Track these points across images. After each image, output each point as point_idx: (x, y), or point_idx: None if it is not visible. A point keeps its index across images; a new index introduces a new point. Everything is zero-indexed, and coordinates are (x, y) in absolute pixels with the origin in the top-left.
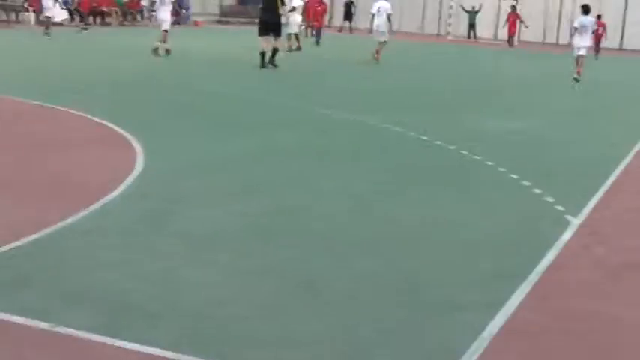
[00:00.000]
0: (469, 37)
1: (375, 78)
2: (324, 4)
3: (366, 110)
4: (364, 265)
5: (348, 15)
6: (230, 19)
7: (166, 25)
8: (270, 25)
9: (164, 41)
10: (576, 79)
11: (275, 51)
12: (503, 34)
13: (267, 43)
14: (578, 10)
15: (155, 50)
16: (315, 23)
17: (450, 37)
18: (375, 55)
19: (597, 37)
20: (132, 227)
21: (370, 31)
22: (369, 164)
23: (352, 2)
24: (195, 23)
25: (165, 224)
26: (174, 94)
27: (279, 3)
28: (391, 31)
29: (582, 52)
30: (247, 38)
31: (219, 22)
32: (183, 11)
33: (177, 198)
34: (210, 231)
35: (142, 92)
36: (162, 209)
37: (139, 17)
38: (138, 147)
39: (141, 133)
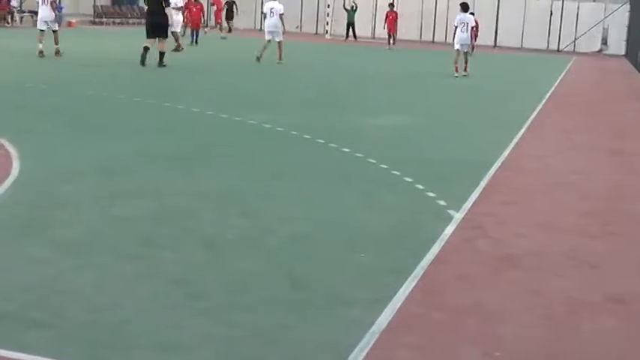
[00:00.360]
0: (347, 36)
1: (256, 77)
2: (200, 4)
3: (248, 110)
4: (247, 266)
5: (229, 14)
6: (104, 19)
7: (56, 26)
8: (157, 27)
9: (41, 41)
10: (456, 77)
11: (162, 54)
12: (381, 32)
13: (152, 41)
14: (453, 9)
15: (40, 52)
16: (191, 24)
17: (328, 37)
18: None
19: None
20: (8, 234)
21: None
22: (251, 164)
23: (234, 2)
24: (69, 24)
25: (43, 230)
26: (51, 98)
27: (163, 4)
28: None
29: (464, 49)
30: (123, 39)
31: (93, 22)
32: (57, 12)
33: (55, 203)
34: (90, 236)
35: (17, 96)
36: (39, 215)
37: (9, 19)
38: (13, 152)
39: (17, 138)
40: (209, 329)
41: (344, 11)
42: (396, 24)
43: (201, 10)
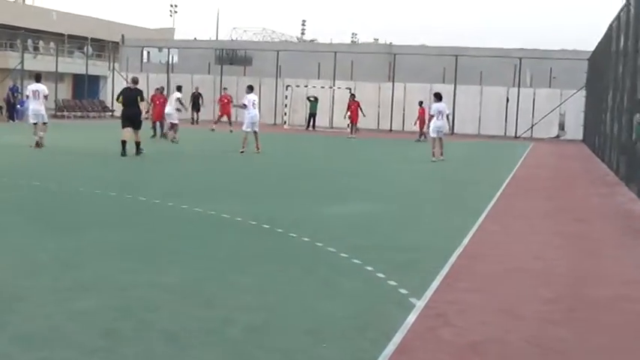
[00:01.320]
0: (308, 126)
1: (217, 167)
2: (163, 97)
3: (207, 200)
4: (207, 356)
5: (195, 105)
6: (65, 112)
7: (37, 120)
8: (132, 118)
9: (36, 133)
10: (434, 161)
11: (138, 143)
12: (339, 122)
13: (129, 134)
14: (409, 97)
15: (36, 144)
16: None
17: (286, 126)
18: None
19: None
20: None
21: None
22: (210, 255)
23: (199, 94)
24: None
25: (2, 325)
26: (9, 191)
27: (139, 99)
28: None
29: (440, 135)
30: (85, 131)
31: (54, 116)
32: (18, 107)
33: (11, 297)
34: (50, 330)
35: None
36: None
37: None
38: None
39: None
40: None
41: (300, 102)
42: (359, 113)
43: (165, 102)
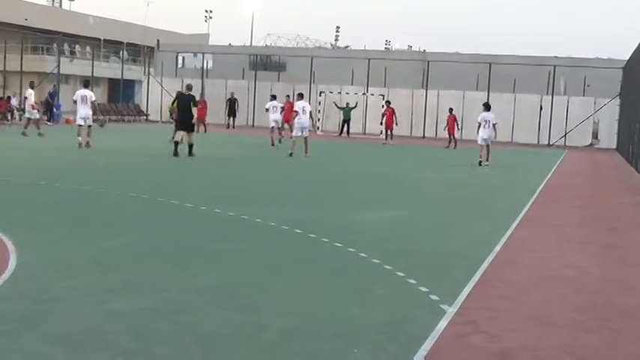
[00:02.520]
0: (342, 132)
1: (252, 171)
2: (204, 101)
3: (241, 204)
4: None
5: (231, 111)
6: (102, 116)
7: (83, 122)
8: (186, 122)
9: (79, 134)
10: (480, 163)
11: (191, 146)
12: (372, 128)
13: (181, 136)
14: (442, 105)
15: (80, 144)
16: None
17: (320, 132)
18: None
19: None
20: (5, 328)
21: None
22: (244, 259)
23: (235, 99)
24: (67, 121)
25: (38, 325)
26: (51, 192)
27: (192, 104)
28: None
29: (488, 142)
30: (120, 134)
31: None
32: (55, 110)
33: (50, 298)
34: (85, 331)
35: (20, 192)
36: (34, 310)
37: (8, 116)
38: (11, 246)
39: (16, 233)
40: None
41: (336, 108)
42: (394, 120)
43: (206, 106)
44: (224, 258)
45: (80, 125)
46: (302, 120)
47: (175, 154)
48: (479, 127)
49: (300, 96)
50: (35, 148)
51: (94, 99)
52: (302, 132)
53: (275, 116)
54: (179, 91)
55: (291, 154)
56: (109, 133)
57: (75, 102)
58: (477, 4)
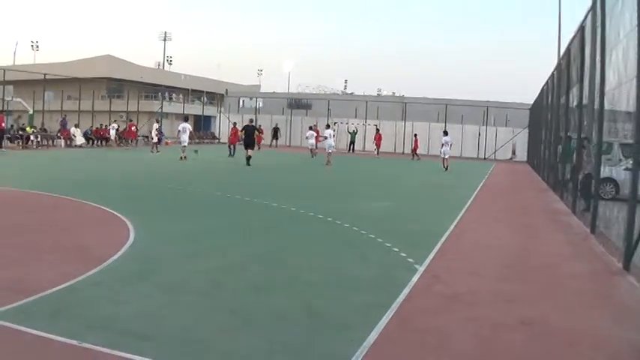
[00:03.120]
0: (349, 150)
1: (288, 176)
2: (236, 129)
3: (281, 198)
4: (281, 301)
5: (275, 136)
6: (189, 140)
7: (185, 143)
8: (250, 143)
9: (183, 151)
10: (445, 168)
11: (249, 158)
12: (368, 147)
13: (250, 152)
14: (417, 130)
15: (182, 158)
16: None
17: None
18: (328, 163)
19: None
20: (127, 279)
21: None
22: (283, 235)
23: (278, 128)
24: (166, 144)
25: (148, 277)
26: (156, 190)
27: (256, 132)
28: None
29: (446, 156)
30: (201, 153)
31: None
32: (162, 135)
33: (155, 260)
34: (178, 281)
35: (134, 190)
36: (145, 267)
37: (129, 141)
38: (130, 226)
39: (132, 217)
40: (256, 343)
41: (347, 133)
42: (381, 141)
43: (237, 133)
44: (269, 234)
45: (184, 146)
46: (329, 141)
47: (248, 164)
48: (441, 146)
49: (328, 126)
50: (152, 160)
51: (190, 129)
52: (329, 149)
53: (311, 141)
54: (246, 124)
55: (328, 164)
56: (206, 152)
57: (179, 131)
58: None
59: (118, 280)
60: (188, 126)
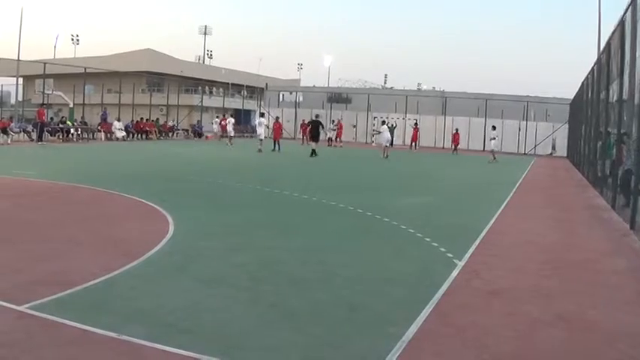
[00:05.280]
0: (392, 144)
1: (328, 171)
2: (279, 123)
3: (320, 193)
4: (320, 296)
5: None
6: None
7: (262, 136)
8: (316, 136)
9: (260, 144)
10: (489, 162)
11: (314, 150)
12: (407, 141)
13: (314, 145)
14: (457, 125)
15: (259, 150)
16: (276, 136)
17: (374, 145)
18: (385, 154)
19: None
20: (166, 272)
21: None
22: (321, 229)
23: (320, 123)
24: (207, 137)
25: (188, 270)
26: (196, 184)
27: (320, 127)
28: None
29: (495, 148)
30: (242, 147)
31: (222, 136)
32: (197, 130)
33: (195, 253)
34: (217, 275)
35: (174, 184)
36: (185, 261)
37: (170, 134)
38: (170, 219)
39: (172, 211)
40: (294, 337)
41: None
42: (418, 135)
43: (281, 127)
44: (309, 228)
45: (261, 139)
46: (385, 135)
47: (312, 155)
48: (490, 139)
49: (383, 122)
50: (217, 154)
51: (267, 123)
52: (385, 143)
53: (387, 135)
54: (313, 119)
55: (386, 157)
56: (238, 145)
57: (254, 125)
58: (478, 58)
59: (157, 273)
60: (264, 120)
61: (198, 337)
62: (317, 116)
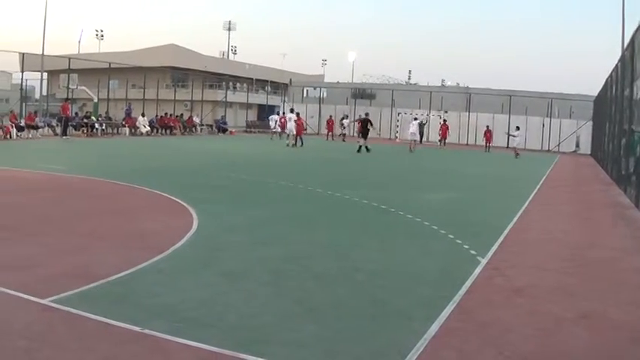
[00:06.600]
0: (421, 141)
1: (350, 165)
2: (301, 119)
3: (342, 188)
4: (343, 291)
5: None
6: (252, 129)
7: (290, 132)
8: (365, 133)
9: (288, 138)
10: (516, 157)
11: (367, 147)
12: (432, 137)
13: (362, 141)
14: (480, 122)
15: (288, 145)
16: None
17: (398, 140)
18: (411, 148)
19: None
20: (190, 267)
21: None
22: (345, 224)
23: (369, 120)
24: (231, 132)
25: (212, 265)
26: (219, 179)
27: (369, 125)
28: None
29: (516, 145)
30: (263, 142)
31: (245, 131)
32: (221, 125)
33: (218, 247)
34: (241, 269)
35: (198, 178)
36: (209, 255)
37: (194, 130)
38: (194, 214)
39: (196, 205)
40: (317, 332)
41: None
42: (447, 132)
43: (302, 123)
44: (332, 223)
45: (288, 135)
46: (412, 130)
47: (358, 151)
48: (512, 137)
49: (415, 119)
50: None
51: (295, 118)
52: (413, 137)
53: (413, 129)
54: (362, 117)
55: (411, 151)
56: (257, 140)
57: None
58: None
59: (180, 268)
60: (293, 116)
61: (221, 332)
62: (367, 114)
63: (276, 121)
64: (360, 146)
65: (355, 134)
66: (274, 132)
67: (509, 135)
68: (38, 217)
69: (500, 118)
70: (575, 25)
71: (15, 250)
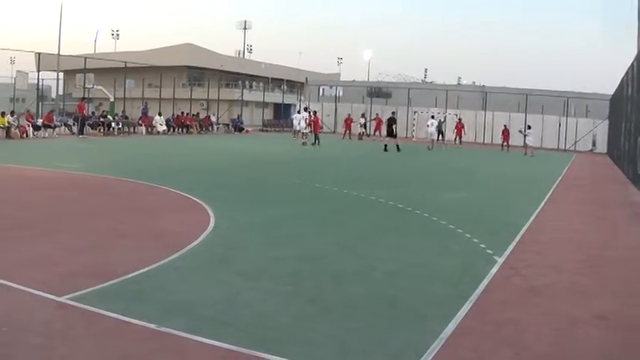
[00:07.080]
0: (438, 139)
1: (368, 164)
2: (317, 117)
3: (360, 187)
4: (358, 291)
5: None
6: (268, 128)
7: (304, 130)
8: (391, 133)
9: (303, 137)
10: (525, 154)
11: (397, 145)
12: (450, 136)
13: (388, 140)
14: (497, 120)
15: (303, 144)
16: (316, 130)
17: (414, 139)
18: (431, 146)
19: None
20: (207, 265)
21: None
22: (362, 223)
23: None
24: (247, 131)
25: (228, 264)
26: (235, 178)
27: (394, 124)
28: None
29: (531, 144)
30: (281, 140)
31: (261, 130)
32: (239, 124)
33: (235, 246)
34: (257, 268)
35: (215, 177)
36: (225, 254)
37: (210, 129)
38: (211, 213)
39: (213, 204)
40: (333, 331)
41: (423, 123)
42: (463, 130)
43: (318, 121)
44: (348, 222)
45: (303, 133)
46: (431, 129)
47: (385, 150)
48: (524, 135)
49: (432, 117)
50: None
51: (307, 117)
52: (431, 136)
53: (432, 129)
54: (389, 117)
55: (429, 149)
56: (275, 138)
57: (292, 119)
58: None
59: (197, 266)
60: (305, 115)
61: (237, 330)
62: (393, 113)
63: (302, 120)
64: (386, 145)
65: (372, 133)
66: (297, 131)
67: (523, 134)
68: (56, 215)
69: (517, 116)
70: (592, 23)
71: (32, 248)
